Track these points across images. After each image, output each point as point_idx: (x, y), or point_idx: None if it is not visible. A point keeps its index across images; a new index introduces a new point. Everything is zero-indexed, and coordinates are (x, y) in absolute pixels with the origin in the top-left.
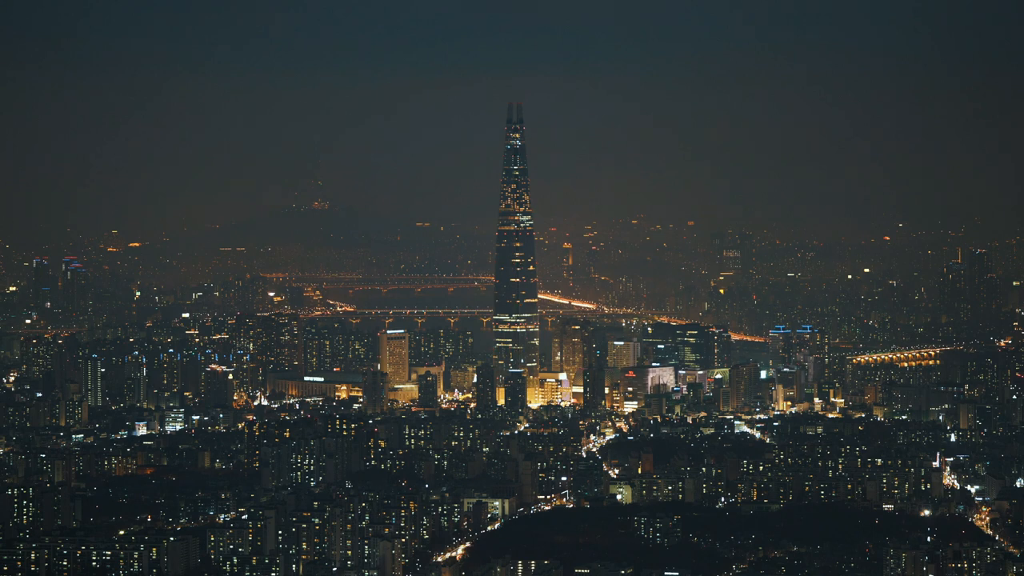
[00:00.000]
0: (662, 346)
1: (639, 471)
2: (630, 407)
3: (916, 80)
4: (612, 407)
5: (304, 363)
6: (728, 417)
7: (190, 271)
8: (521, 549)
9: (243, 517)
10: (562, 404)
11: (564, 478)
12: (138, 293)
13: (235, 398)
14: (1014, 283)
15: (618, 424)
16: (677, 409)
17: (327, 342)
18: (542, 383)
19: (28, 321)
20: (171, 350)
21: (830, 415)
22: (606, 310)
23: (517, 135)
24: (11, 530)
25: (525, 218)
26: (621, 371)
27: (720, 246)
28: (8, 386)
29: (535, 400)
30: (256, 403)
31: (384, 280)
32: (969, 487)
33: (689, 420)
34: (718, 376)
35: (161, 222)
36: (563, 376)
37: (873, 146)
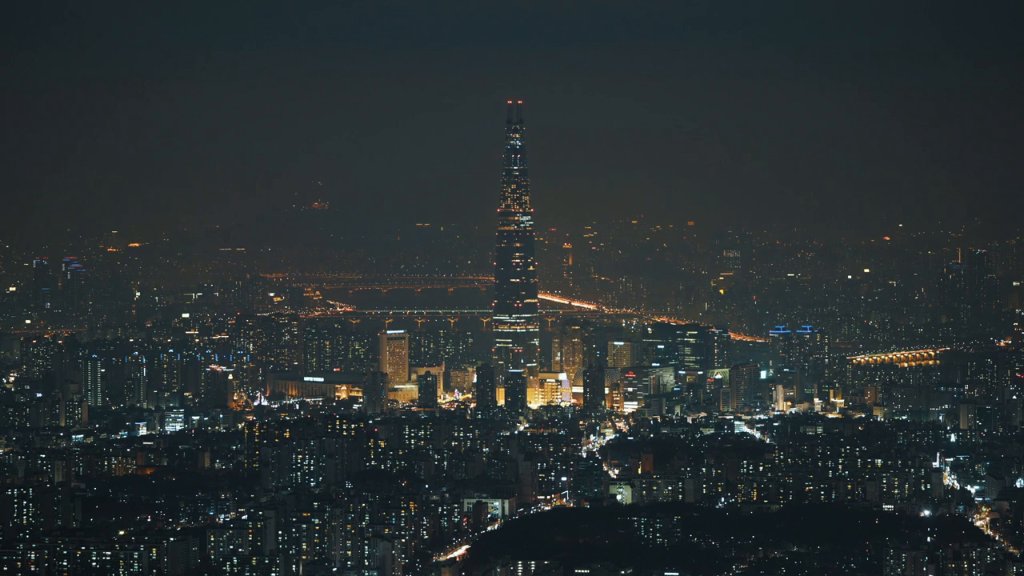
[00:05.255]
0: (662, 346)
1: (639, 471)
2: (630, 407)
3: (916, 79)
4: (612, 407)
5: (304, 363)
6: (728, 417)
7: (190, 271)
8: (521, 549)
9: (243, 517)
10: (562, 404)
11: (564, 478)
12: (138, 293)
13: (235, 398)
14: (1014, 283)
15: (618, 424)
16: (677, 409)
17: (327, 342)
18: (542, 383)
19: (28, 321)
20: (171, 350)
21: (830, 415)
22: (606, 310)
23: (517, 135)
24: (11, 530)
25: (525, 218)
26: (621, 371)
27: (720, 246)
28: (8, 386)
29: (535, 400)
30: (256, 403)
31: (384, 280)
32: (969, 487)
33: (689, 420)
34: (718, 376)
35: (161, 222)
36: (563, 376)
37: (873, 146)
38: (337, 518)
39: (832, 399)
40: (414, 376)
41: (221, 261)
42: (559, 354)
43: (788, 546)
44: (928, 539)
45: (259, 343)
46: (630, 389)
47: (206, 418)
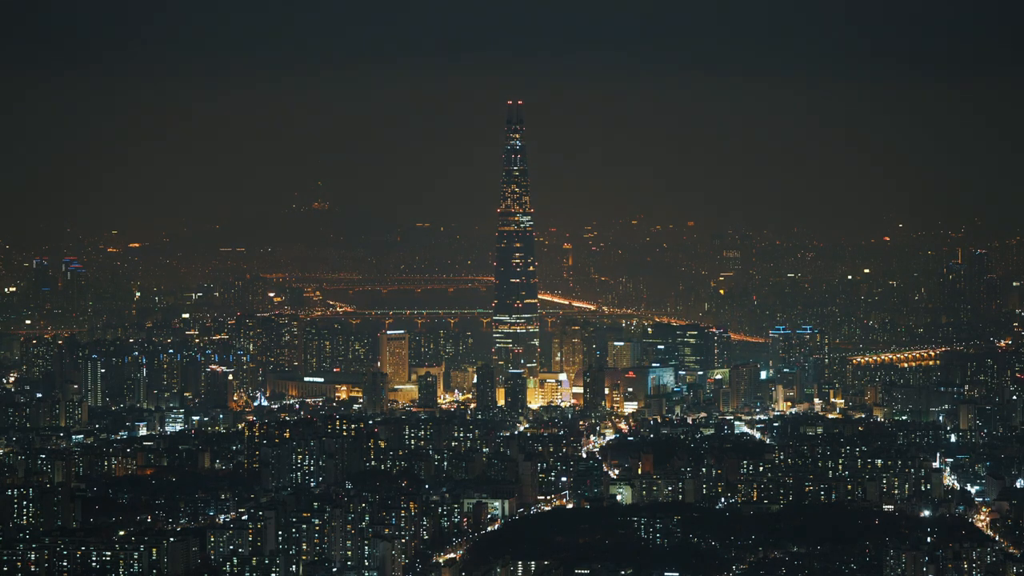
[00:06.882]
0: (662, 346)
1: (639, 471)
2: (630, 407)
3: (917, 79)
4: (612, 407)
5: (304, 363)
6: (728, 417)
7: (190, 271)
8: (521, 549)
9: (243, 517)
10: (562, 404)
11: (564, 478)
12: (138, 293)
13: (235, 398)
14: (1014, 283)
15: (618, 424)
16: (677, 409)
17: (327, 343)
18: (542, 383)
19: (28, 321)
20: (171, 350)
21: (830, 415)
22: (606, 310)
23: (517, 135)
24: (11, 530)
25: (525, 218)
26: (621, 371)
27: (720, 246)
28: (8, 386)
29: (535, 400)
30: (256, 403)
31: (384, 280)
32: (969, 487)
33: (689, 420)
34: (718, 376)
35: (161, 222)
36: (563, 376)
37: (873, 146)
38: (337, 518)
39: (832, 399)
40: (414, 376)
41: (221, 261)
42: (559, 354)
43: (788, 546)
44: (928, 539)
45: (259, 343)
46: (630, 389)
47: (206, 418)
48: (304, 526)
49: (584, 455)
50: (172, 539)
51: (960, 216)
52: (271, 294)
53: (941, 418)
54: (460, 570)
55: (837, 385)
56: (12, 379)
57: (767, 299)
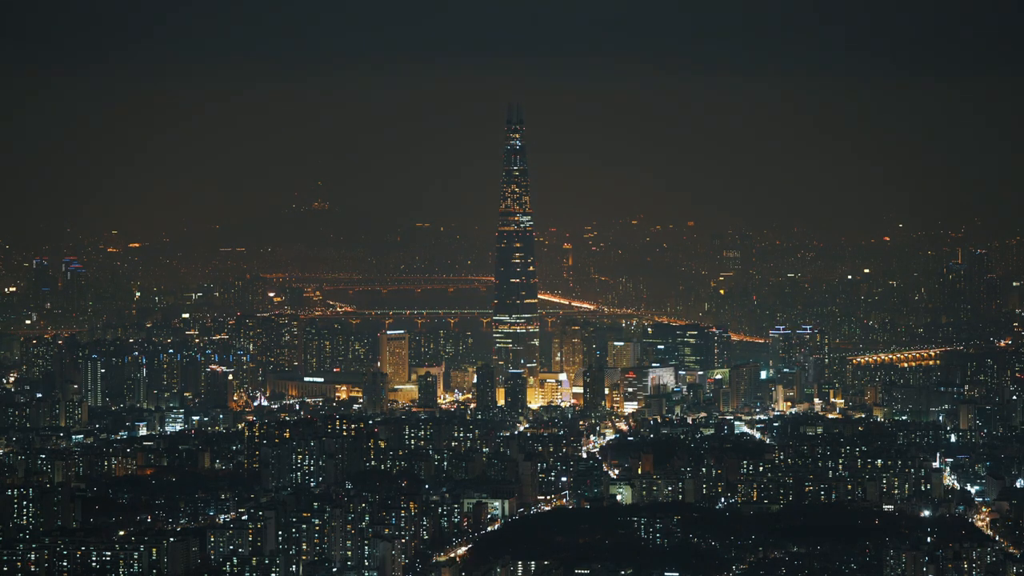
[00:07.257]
0: (662, 346)
1: (639, 471)
2: (630, 407)
3: (917, 79)
4: (612, 407)
5: (304, 363)
6: (728, 417)
7: (190, 271)
8: (521, 549)
9: (243, 517)
10: (562, 404)
11: (564, 478)
12: (138, 293)
13: (235, 398)
14: (1014, 283)
15: (618, 424)
16: (677, 409)
17: (327, 343)
18: (542, 383)
19: (28, 321)
20: (171, 350)
21: (830, 415)
22: (606, 310)
23: (517, 135)
24: (11, 530)
25: (525, 218)
26: (621, 371)
27: (720, 246)
28: (8, 386)
29: (535, 400)
30: (256, 403)
31: (384, 280)
32: (969, 487)
33: (689, 420)
34: (718, 376)
35: (161, 222)
36: (563, 376)
37: (873, 146)
38: (337, 518)
39: (832, 399)
40: (414, 376)
41: (221, 261)
42: (559, 354)
43: (788, 546)
44: (928, 539)
45: (259, 343)
46: (630, 389)
47: (206, 418)
48: (304, 526)
49: (584, 455)
50: (172, 539)
51: (960, 216)
52: (271, 294)
53: (941, 418)
54: (460, 570)
55: (837, 385)
56: (12, 379)
57: (767, 299)
